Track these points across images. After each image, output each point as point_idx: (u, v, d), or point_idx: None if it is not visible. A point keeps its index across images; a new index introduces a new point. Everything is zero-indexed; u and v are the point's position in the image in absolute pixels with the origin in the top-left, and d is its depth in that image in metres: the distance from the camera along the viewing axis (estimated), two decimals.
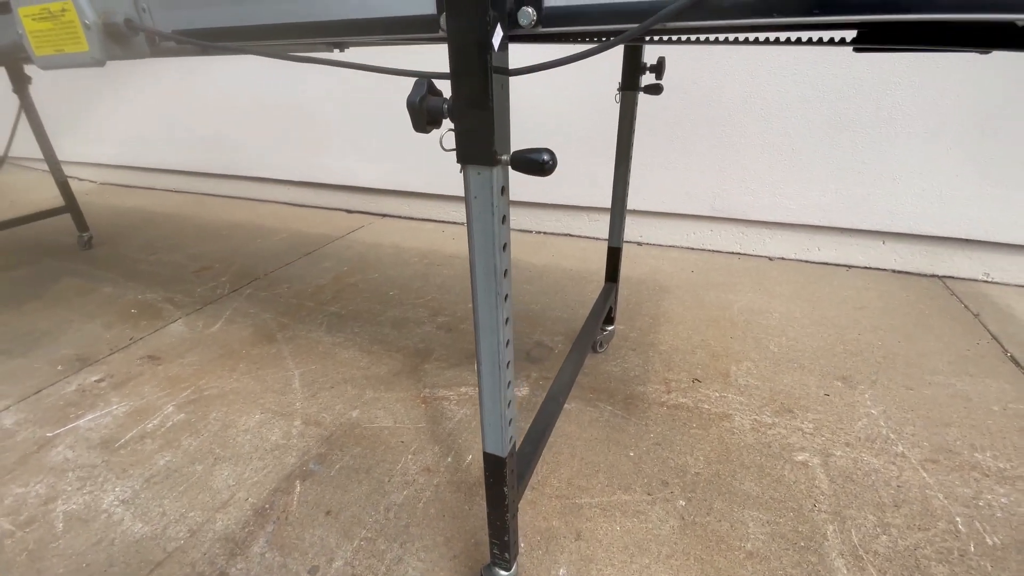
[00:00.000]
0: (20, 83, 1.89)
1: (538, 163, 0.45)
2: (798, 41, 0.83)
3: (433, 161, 2.40)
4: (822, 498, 0.99)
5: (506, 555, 0.76)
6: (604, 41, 0.42)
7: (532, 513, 0.97)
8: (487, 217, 0.50)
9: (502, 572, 0.78)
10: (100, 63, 0.57)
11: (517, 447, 0.79)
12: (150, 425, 1.23)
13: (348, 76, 2.40)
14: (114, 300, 1.86)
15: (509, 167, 0.48)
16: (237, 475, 1.08)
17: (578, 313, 1.68)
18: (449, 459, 1.11)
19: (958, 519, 0.95)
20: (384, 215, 2.72)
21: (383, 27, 0.51)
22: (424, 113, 0.46)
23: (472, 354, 1.48)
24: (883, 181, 1.79)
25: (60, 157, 2.19)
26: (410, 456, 1.12)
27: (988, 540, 0.91)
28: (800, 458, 1.09)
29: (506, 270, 0.54)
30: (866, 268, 1.96)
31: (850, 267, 1.97)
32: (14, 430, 1.23)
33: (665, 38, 0.77)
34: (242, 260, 2.19)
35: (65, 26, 0.55)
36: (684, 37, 0.71)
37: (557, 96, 2.06)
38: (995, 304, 1.68)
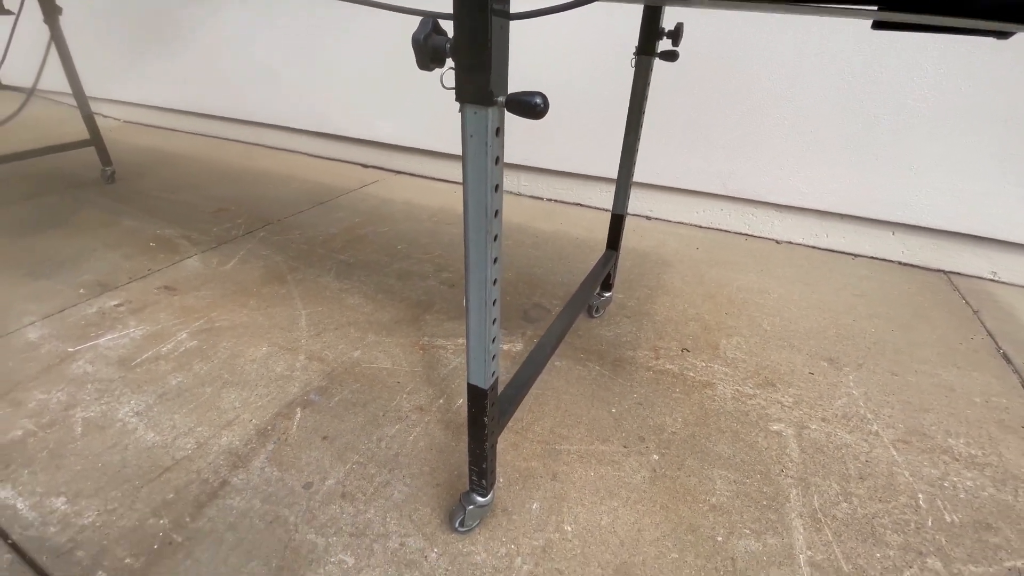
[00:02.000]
0: (51, 14, 1.92)
1: (531, 105, 0.48)
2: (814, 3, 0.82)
3: (449, 121, 2.41)
4: (791, 465, 1.04)
5: (483, 482, 0.82)
6: None
7: (514, 454, 1.04)
8: (481, 157, 0.53)
9: (479, 498, 0.85)
10: None
11: (501, 387, 0.84)
12: (164, 349, 1.31)
13: (371, 31, 2.39)
14: (134, 233, 1.93)
15: (505, 109, 0.51)
16: (243, 399, 1.16)
17: (579, 279, 1.71)
18: (441, 401, 1.17)
19: (920, 496, 0.99)
20: (398, 172, 2.74)
21: None
22: (428, 51, 0.49)
23: None
24: (899, 171, 1.77)
25: (91, 93, 2.24)
26: (404, 396, 1.18)
27: (947, 517, 0.95)
28: (775, 428, 1.13)
29: (497, 210, 0.58)
30: (872, 258, 1.95)
31: (856, 256, 1.97)
32: (38, 343, 1.31)
33: None
34: (258, 205, 2.24)
35: None
36: None
37: (576, 62, 2.04)
38: (997, 302, 1.69)
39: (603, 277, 1.35)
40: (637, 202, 2.26)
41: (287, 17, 2.57)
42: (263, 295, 1.57)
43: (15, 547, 0.83)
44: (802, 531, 0.91)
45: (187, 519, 0.89)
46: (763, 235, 2.10)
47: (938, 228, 1.81)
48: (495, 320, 0.66)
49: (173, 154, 2.94)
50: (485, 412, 0.73)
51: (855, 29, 1.64)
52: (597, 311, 1.49)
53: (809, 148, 1.85)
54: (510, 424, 1.10)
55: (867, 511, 0.95)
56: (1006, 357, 1.41)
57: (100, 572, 0.80)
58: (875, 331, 1.50)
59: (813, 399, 1.22)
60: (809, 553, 0.87)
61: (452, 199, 2.39)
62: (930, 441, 1.12)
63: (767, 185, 1.97)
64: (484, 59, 0.47)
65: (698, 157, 2.03)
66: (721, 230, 2.16)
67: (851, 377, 1.30)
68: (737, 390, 1.24)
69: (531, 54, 2.07)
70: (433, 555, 0.84)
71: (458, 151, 2.48)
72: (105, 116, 3.71)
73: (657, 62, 1.12)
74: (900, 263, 1.92)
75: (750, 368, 1.32)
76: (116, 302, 1.50)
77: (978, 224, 1.75)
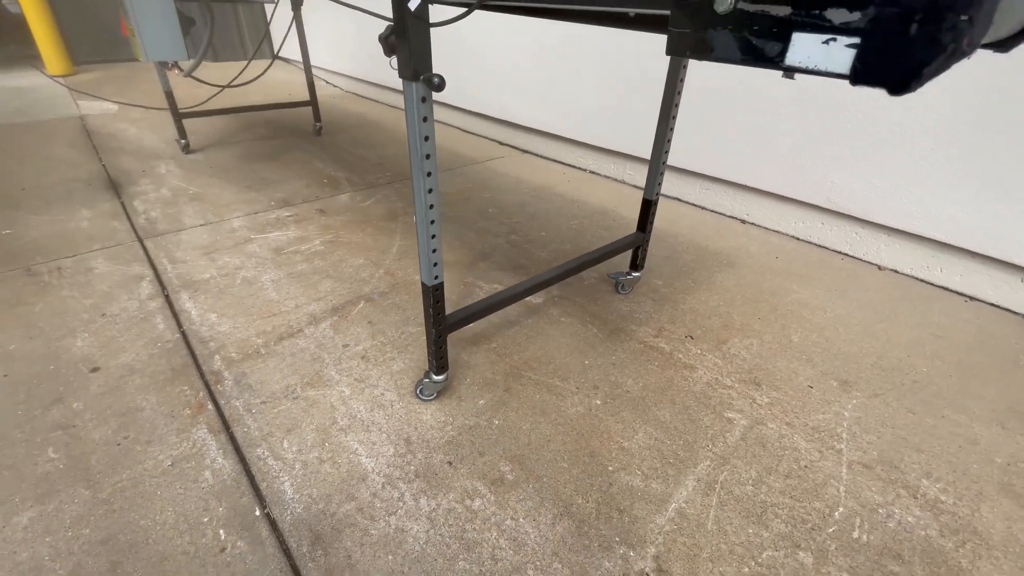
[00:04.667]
0: (296, 4, 2.67)
1: (432, 82, 0.74)
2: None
3: (570, 110, 2.64)
4: (721, 445, 1.11)
5: (435, 363, 1.12)
6: (470, 7, 0.68)
7: (487, 367, 1.30)
8: (413, 115, 0.81)
9: (435, 376, 1.15)
10: None
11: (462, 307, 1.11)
12: (303, 247, 1.86)
13: (513, 37, 2.72)
14: (318, 172, 2.62)
15: (426, 83, 0.78)
16: (333, 288, 1.63)
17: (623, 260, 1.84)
18: None
19: (840, 509, 0.99)
20: (525, 151, 3.08)
21: None
22: (386, 45, 0.78)
23: (519, 264, 1.80)
24: None
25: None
26: None
27: (856, 534, 0.95)
28: (730, 415, 1.19)
29: (428, 154, 0.85)
30: (993, 305, 1.67)
31: (972, 299, 1.70)
32: (237, 229, 1.98)
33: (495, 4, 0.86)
34: (405, 164, 2.79)
35: None
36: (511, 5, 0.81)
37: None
38: None
39: (619, 253, 1.50)
40: (735, 204, 2.23)
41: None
42: (378, 226, 2.05)
43: (183, 333, 1.40)
44: (690, 490, 1.01)
45: (272, 343, 1.36)
46: (865, 258, 1.92)
47: None
48: (434, 235, 0.94)
49: (368, 119, 3.72)
50: (431, 305, 1.02)
51: None
52: (623, 288, 1.63)
53: (928, 166, 1.65)
54: (494, 347, 1.37)
55: (769, 500, 1.00)
56: None
57: (216, 356, 1.31)
58: (926, 371, 1.36)
59: (792, 406, 1.23)
60: (683, 505, 0.98)
61: (556, 178, 2.64)
62: (897, 475, 1.06)
63: (874, 202, 1.80)
64: (406, 50, 0.75)
65: (801, 164, 1.94)
66: (819, 245, 2.03)
67: (854, 402, 1.25)
68: (716, 379, 1.30)
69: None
70: (397, 405, 1.17)
71: (578, 136, 2.71)
72: (334, 86, 4.77)
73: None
74: None
75: (745, 367, 1.35)
76: (288, 214, 2.13)
77: None
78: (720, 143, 2.14)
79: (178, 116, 2.58)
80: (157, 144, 2.87)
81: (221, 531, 0.90)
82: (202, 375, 1.25)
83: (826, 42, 0.36)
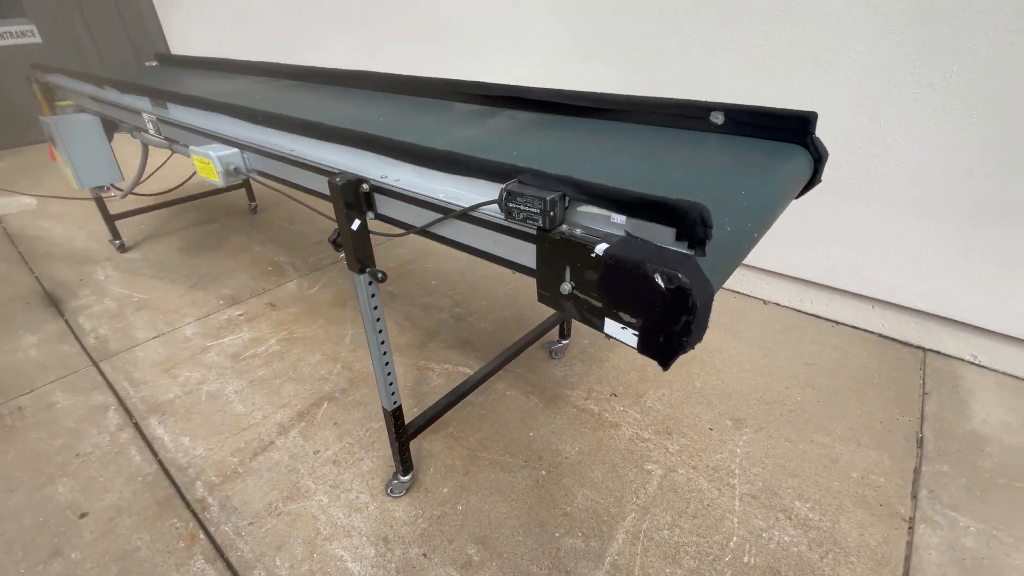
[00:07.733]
0: None
1: (376, 276, 0.95)
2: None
3: None
4: (643, 496, 1.38)
5: (401, 466, 1.31)
6: (406, 230, 0.90)
7: (447, 453, 1.51)
8: (365, 302, 1.01)
9: (401, 477, 1.34)
10: (222, 184, 1.19)
11: (430, 404, 1.31)
12: (259, 350, 1.99)
13: None
14: (260, 258, 2.72)
15: (368, 275, 0.98)
16: (295, 391, 1.77)
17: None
18: (415, 409, 1.67)
19: (735, 539, 1.27)
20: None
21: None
22: (335, 245, 0.98)
23: (465, 339, 2.02)
24: (872, 251, 1.88)
25: None
26: None
27: (746, 559, 1.23)
28: (648, 467, 1.46)
29: (381, 329, 1.06)
30: (853, 327, 2.06)
31: (837, 323, 2.08)
32: (191, 337, 2.07)
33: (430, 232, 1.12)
34: None
35: (210, 167, 1.18)
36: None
37: None
38: (958, 387, 1.74)
39: (550, 329, 1.75)
40: None
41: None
42: (328, 315, 2.21)
43: (160, 462, 1.51)
44: (620, 542, 1.26)
45: (248, 460, 1.50)
46: (752, 294, 2.28)
47: (914, 308, 1.88)
48: (390, 373, 1.15)
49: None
50: (392, 424, 1.22)
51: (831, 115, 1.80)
52: (555, 354, 1.88)
53: (785, 223, 2.02)
54: (451, 431, 1.58)
55: (681, 540, 1.27)
56: (920, 442, 1.53)
57: (198, 482, 1.44)
58: (800, 400, 1.69)
59: (696, 450, 1.51)
60: (616, 557, 1.23)
61: None
62: (777, 500, 1.36)
63: (754, 250, 2.16)
64: (351, 249, 0.95)
65: None
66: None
67: (745, 438, 1.55)
68: (636, 433, 1.57)
69: None
70: (372, 507, 1.35)
71: None
72: None
73: None
74: (880, 335, 2.00)
75: (659, 417, 1.63)
76: (239, 312, 2.24)
77: (954, 309, 1.80)
78: None
79: (110, 219, 2.61)
80: (88, 244, 2.87)
81: None
82: (188, 505, 1.38)
83: (622, 327, 0.61)
